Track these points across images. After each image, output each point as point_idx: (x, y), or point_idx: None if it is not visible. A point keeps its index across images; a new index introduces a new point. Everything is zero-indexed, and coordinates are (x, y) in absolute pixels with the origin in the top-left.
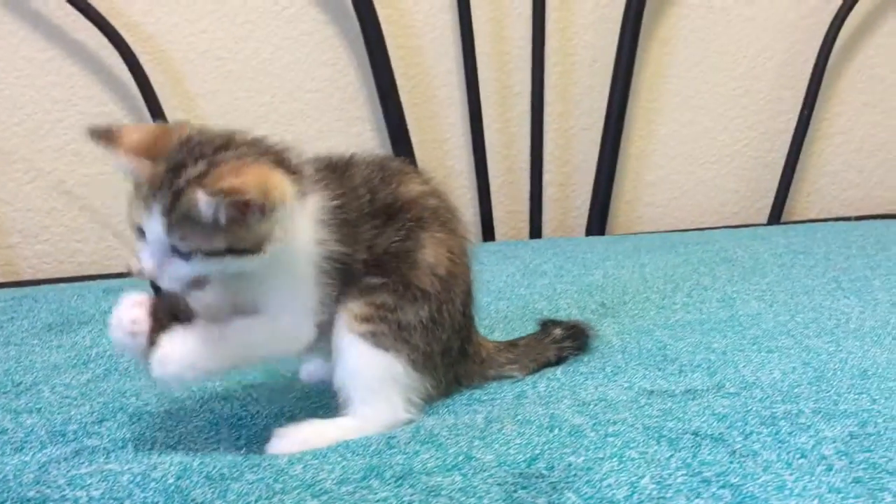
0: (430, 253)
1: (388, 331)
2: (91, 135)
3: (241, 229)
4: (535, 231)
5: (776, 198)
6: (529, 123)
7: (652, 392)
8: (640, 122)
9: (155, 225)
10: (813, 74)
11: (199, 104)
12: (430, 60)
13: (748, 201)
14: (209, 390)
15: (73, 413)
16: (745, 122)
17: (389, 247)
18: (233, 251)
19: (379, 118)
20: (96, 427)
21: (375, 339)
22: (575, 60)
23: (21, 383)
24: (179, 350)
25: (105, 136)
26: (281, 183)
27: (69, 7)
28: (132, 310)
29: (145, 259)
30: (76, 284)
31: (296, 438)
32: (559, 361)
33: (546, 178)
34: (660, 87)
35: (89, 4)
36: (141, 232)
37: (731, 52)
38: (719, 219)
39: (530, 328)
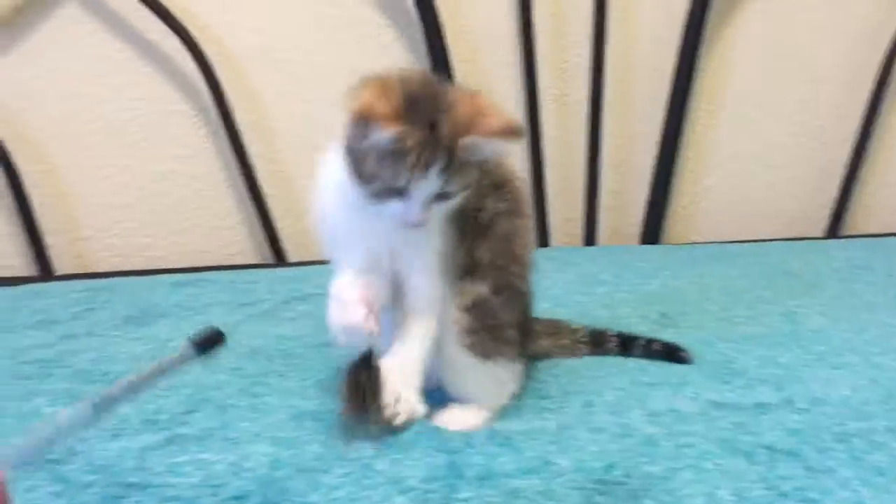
0: (521, 244)
1: (490, 339)
2: (356, 117)
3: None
4: (590, 238)
5: (835, 210)
6: (587, 131)
7: (721, 405)
8: (698, 126)
9: (431, 181)
10: (877, 84)
11: (265, 104)
12: (489, 65)
13: (806, 212)
14: (286, 388)
15: (162, 403)
16: (806, 130)
17: (494, 220)
18: (470, 184)
19: None
20: (186, 417)
21: (481, 349)
22: (634, 67)
23: (108, 373)
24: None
25: (365, 116)
26: None
27: (145, 9)
28: (360, 303)
29: (410, 212)
30: (146, 278)
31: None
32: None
33: (602, 185)
34: (720, 91)
35: (164, 7)
36: (399, 192)
37: (795, 59)
38: (775, 229)
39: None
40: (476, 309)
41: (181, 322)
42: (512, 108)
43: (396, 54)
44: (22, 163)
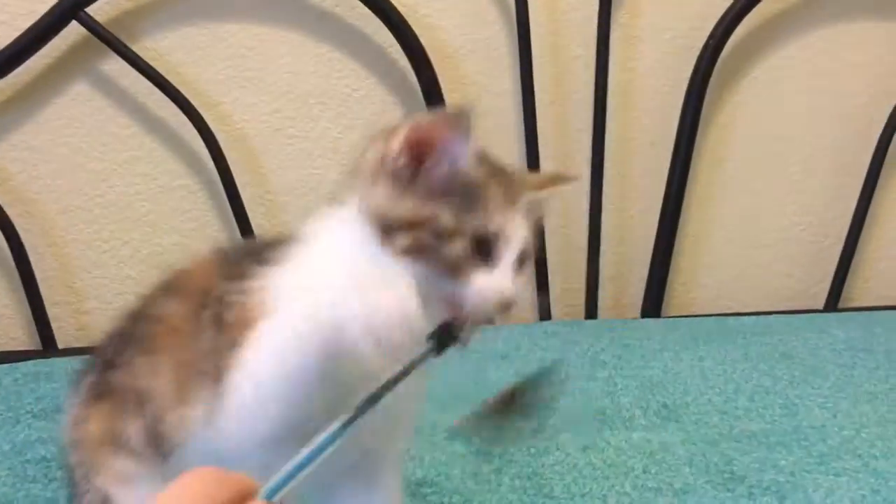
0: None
1: None
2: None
3: None
4: (591, 308)
5: (833, 283)
6: (588, 203)
7: None
8: (696, 204)
9: (521, 224)
10: (873, 159)
11: (270, 180)
12: (491, 142)
13: (804, 285)
14: None
15: None
16: (803, 207)
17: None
18: None
19: None
20: None
21: None
22: (634, 143)
23: None
24: None
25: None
26: None
27: (154, 88)
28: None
29: (504, 280)
30: None
31: None
32: None
33: (603, 257)
34: (717, 170)
35: (172, 85)
36: (483, 244)
37: (790, 138)
38: (774, 302)
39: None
40: None
41: None
42: None
43: None
44: (27, 237)
